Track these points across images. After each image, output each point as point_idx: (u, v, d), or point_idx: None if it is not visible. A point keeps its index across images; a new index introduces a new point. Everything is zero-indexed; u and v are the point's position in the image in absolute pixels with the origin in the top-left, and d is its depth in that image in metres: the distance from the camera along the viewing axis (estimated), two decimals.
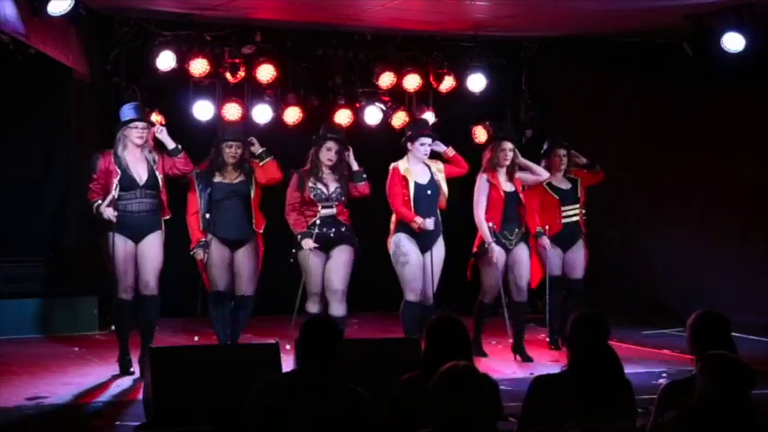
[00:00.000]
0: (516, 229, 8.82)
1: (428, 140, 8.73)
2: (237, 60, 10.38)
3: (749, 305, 10.09)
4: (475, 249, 8.98)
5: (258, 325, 10.14)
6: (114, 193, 7.78)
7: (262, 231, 8.61)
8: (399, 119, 11.01)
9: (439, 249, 8.55)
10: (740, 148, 10.49)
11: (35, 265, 9.85)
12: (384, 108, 10.99)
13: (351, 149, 8.59)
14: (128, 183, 7.88)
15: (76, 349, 9.01)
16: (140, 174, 7.94)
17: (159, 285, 8.07)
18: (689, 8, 9.43)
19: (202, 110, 10.46)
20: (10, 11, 7.74)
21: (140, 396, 6.69)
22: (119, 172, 7.85)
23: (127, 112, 8.08)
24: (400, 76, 10.94)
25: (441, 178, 8.67)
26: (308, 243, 8.27)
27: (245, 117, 10.60)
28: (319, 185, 8.36)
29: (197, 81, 10.46)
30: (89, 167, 8.01)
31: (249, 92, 10.72)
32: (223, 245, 8.38)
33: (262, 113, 10.65)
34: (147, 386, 6.39)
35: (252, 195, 8.50)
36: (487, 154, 8.96)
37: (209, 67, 10.26)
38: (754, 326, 9.68)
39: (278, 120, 10.73)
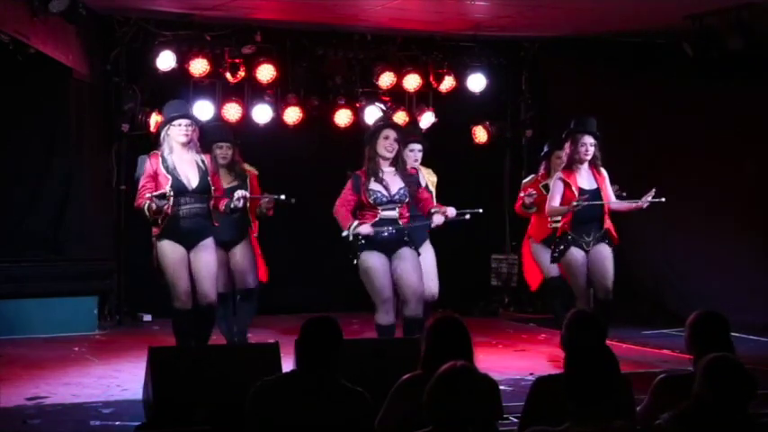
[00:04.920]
0: (594, 231, 8.34)
1: (417, 146, 8.59)
2: (237, 60, 10.39)
3: (749, 305, 10.08)
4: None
5: (259, 325, 10.15)
6: (169, 195, 7.24)
7: (257, 235, 8.59)
8: (399, 119, 11.00)
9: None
10: (740, 148, 10.48)
11: (35, 265, 9.83)
12: (384, 108, 10.99)
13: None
14: (177, 188, 7.35)
15: (76, 349, 9.00)
16: (190, 178, 7.43)
17: (218, 294, 7.70)
18: (689, 8, 9.43)
19: (202, 110, 10.46)
20: None
21: (140, 396, 6.69)
22: (168, 177, 7.34)
23: (168, 109, 7.65)
24: (400, 76, 10.95)
25: (430, 184, 8.53)
26: (365, 228, 7.52)
27: (245, 117, 10.62)
28: (379, 187, 7.65)
29: (197, 81, 10.48)
30: (136, 171, 7.55)
31: (249, 92, 10.74)
32: (218, 247, 7.98)
33: (262, 113, 10.66)
34: (147, 386, 6.39)
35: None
36: (567, 150, 8.45)
37: (209, 67, 10.27)
38: (754, 326, 9.68)
39: (278, 120, 10.74)
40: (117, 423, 6.37)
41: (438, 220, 7.92)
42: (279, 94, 10.83)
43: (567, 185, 8.35)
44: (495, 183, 12.04)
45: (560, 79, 11.67)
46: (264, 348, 6.81)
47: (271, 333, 9.63)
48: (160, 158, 7.42)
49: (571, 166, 8.40)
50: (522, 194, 9.37)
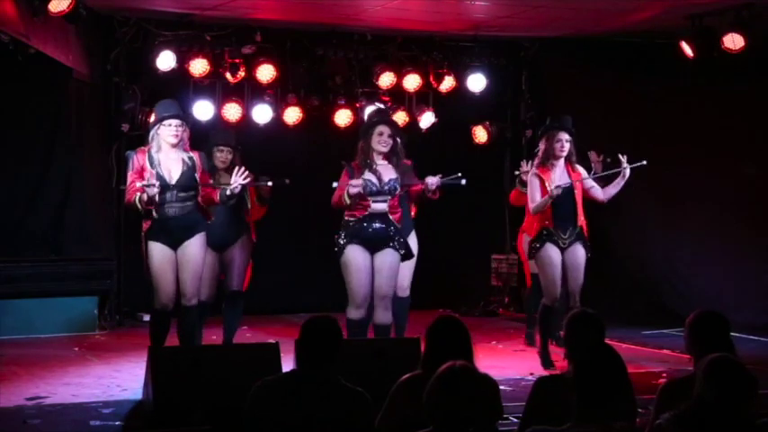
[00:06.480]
0: (570, 228, 8.27)
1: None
2: (237, 60, 10.39)
3: (749, 305, 10.09)
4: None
5: (258, 325, 10.16)
6: (155, 188, 7.15)
7: (255, 241, 8.54)
8: (399, 119, 11.00)
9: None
10: (740, 148, 10.49)
11: (35, 265, 9.83)
12: (384, 108, 10.99)
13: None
14: (160, 183, 7.29)
15: (76, 349, 9.00)
16: (172, 174, 7.38)
17: (200, 293, 7.69)
18: (689, 8, 9.44)
19: (202, 110, 10.47)
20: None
21: (140, 396, 6.69)
22: (153, 172, 7.29)
23: (160, 108, 7.61)
24: (400, 76, 10.95)
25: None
26: (355, 182, 7.47)
27: (245, 117, 10.61)
28: (371, 176, 7.58)
29: (197, 81, 10.48)
30: (126, 166, 7.49)
31: (249, 92, 10.74)
32: (210, 250, 7.99)
33: (262, 113, 10.67)
34: (147, 386, 6.39)
35: (248, 205, 8.39)
36: (541, 146, 8.38)
37: (209, 67, 10.27)
38: (754, 326, 9.69)
39: (278, 120, 10.74)
40: (117, 423, 6.37)
41: (431, 181, 7.68)
42: (279, 94, 10.83)
43: (541, 181, 8.28)
44: (495, 183, 12.04)
45: (560, 79, 11.67)
46: (264, 348, 6.81)
47: (270, 333, 9.64)
48: (147, 154, 7.41)
49: (545, 162, 8.32)
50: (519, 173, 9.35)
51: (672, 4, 9.28)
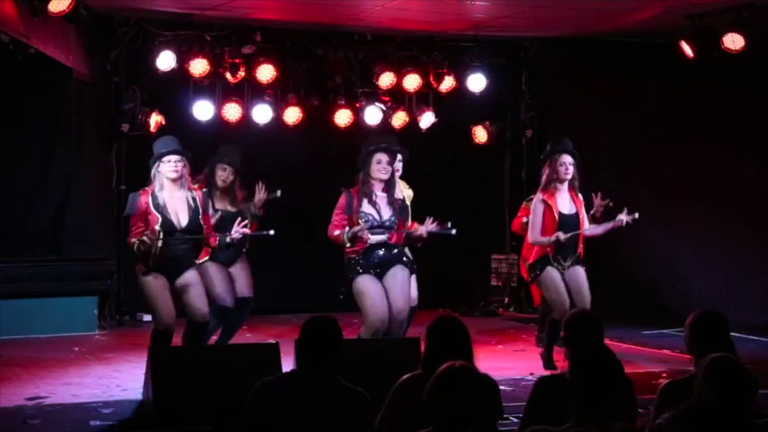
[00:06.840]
0: (570, 254, 8.24)
1: (398, 156, 8.20)
2: (237, 60, 10.39)
3: (749, 305, 10.09)
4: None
5: (258, 325, 10.16)
6: (158, 241, 7.20)
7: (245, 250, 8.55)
8: (399, 119, 11.02)
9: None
10: (740, 148, 10.50)
11: (35, 265, 9.84)
12: (384, 108, 11.00)
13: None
14: (167, 227, 7.30)
15: (76, 349, 9.00)
16: (180, 217, 7.37)
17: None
18: (689, 8, 9.44)
19: (202, 110, 10.47)
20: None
21: (140, 396, 6.69)
22: (158, 217, 7.28)
23: (158, 145, 7.55)
24: (400, 76, 10.94)
25: (407, 197, 8.23)
26: (365, 233, 7.48)
27: (245, 117, 10.61)
28: (372, 210, 7.59)
29: (197, 81, 10.47)
30: (127, 207, 7.47)
31: (249, 92, 10.74)
32: (218, 264, 8.15)
33: (262, 113, 10.66)
34: (147, 386, 6.39)
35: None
36: (545, 170, 8.32)
37: (209, 67, 10.26)
38: (754, 326, 9.69)
39: (278, 120, 10.74)
40: (117, 423, 6.38)
41: (421, 230, 7.68)
42: (279, 94, 10.82)
43: (548, 207, 8.22)
44: (495, 183, 12.05)
45: (560, 79, 11.67)
46: (264, 348, 6.82)
47: (270, 333, 9.64)
48: (150, 196, 7.36)
49: (549, 186, 8.26)
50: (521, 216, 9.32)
51: (672, 4, 9.28)
